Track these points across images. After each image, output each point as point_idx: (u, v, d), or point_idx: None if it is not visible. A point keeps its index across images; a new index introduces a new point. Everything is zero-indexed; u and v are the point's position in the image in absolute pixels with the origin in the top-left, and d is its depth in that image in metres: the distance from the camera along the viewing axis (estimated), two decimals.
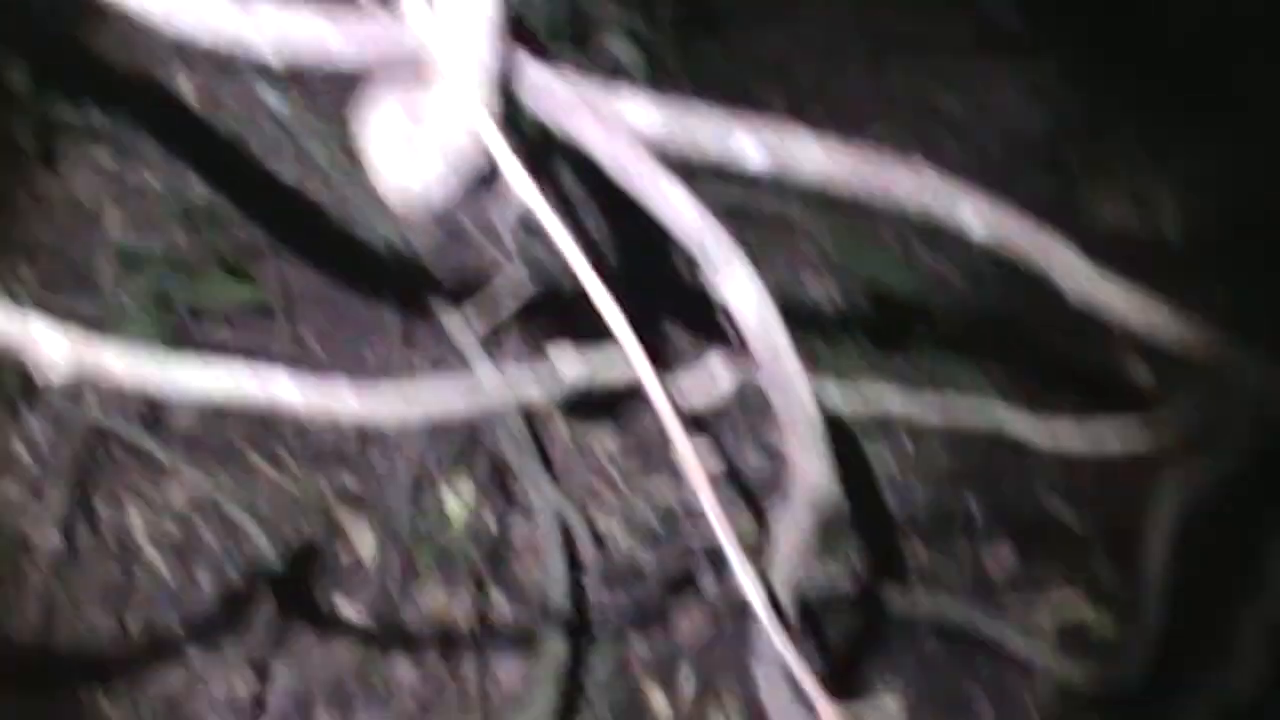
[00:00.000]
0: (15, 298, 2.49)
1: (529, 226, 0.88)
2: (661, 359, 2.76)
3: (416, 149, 0.97)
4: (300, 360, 2.56)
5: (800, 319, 3.03)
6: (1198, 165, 3.30)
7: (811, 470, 1.24)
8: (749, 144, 1.17)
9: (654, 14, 3.00)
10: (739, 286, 1.14)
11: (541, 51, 1.04)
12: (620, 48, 2.77)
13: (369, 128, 0.99)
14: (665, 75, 3.09)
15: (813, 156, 1.20)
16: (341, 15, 0.94)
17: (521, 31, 0.98)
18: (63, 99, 2.59)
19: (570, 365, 1.04)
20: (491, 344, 2.33)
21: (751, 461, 2.78)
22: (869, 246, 3.01)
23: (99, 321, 2.48)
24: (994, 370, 2.91)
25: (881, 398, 1.30)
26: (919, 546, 2.82)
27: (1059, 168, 3.44)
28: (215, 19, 0.88)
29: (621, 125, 1.10)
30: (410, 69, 0.98)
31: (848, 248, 3.08)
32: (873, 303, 2.94)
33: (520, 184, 0.90)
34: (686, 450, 0.97)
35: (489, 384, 0.98)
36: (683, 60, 3.21)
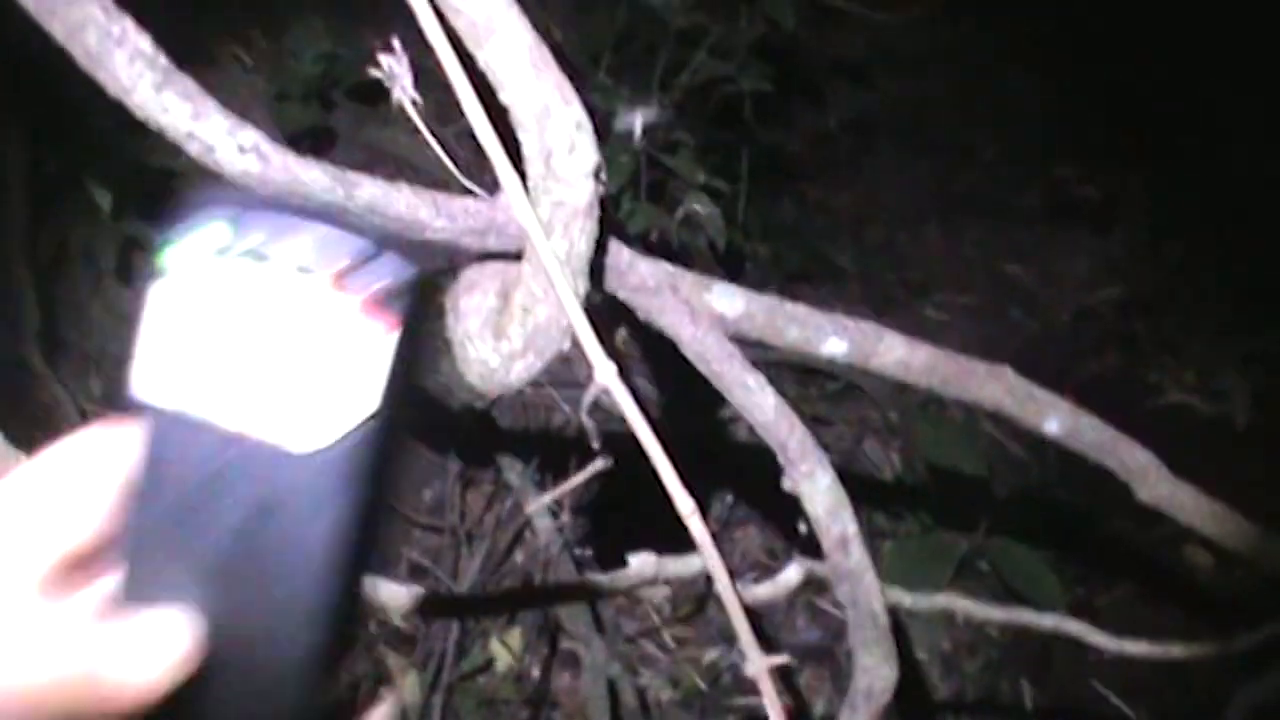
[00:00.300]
0: (81, 409, 2.50)
1: (604, 403, 0.86)
2: (726, 537, 2.75)
3: (502, 327, 0.95)
4: None
5: (859, 485, 3.00)
6: (1264, 345, 3.27)
7: (875, 670, 1.21)
8: (835, 341, 1.15)
9: (732, 170, 3.02)
10: (815, 483, 1.12)
11: (621, 232, 1.04)
12: (697, 202, 2.77)
13: (459, 302, 0.98)
14: (739, 230, 3.10)
15: (896, 355, 1.19)
16: (441, 196, 0.94)
17: (611, 218, 0.98)
18: (142, 218, 2.61)
19: (647, 566, 1.02)
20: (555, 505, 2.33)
21: (800, 626, 2.75)
22: (935, 417, 2.98)
23: None
24: (1051, 546, 2.86)
25: (949, 602, 1.27)
26: None
27: (1127, 340, 3.41)
28: (314, 188, 0.88)
29: (710, 317, 1.09)
30: (504, 250, 0.97)
31: (914, 417, 3.05)
32: (934, 475, 2.89)
33: (602, 369, 0.89)
34: (755, 654, 0.94)
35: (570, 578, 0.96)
36: (757, 216, 3.22)
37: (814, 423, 2.99)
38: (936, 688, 2.76)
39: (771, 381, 2.91)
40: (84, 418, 2.48)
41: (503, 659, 2.53)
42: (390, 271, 0.49)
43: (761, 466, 2.78)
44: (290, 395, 0.48)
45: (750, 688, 2.68)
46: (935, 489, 2.95)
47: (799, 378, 3.09)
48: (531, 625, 2.53)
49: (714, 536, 0.98)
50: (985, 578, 2.76)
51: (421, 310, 0.50)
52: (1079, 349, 3.40)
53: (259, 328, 0.48)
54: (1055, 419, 1.31)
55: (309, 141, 2.89)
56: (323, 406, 0.48)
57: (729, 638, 2.73)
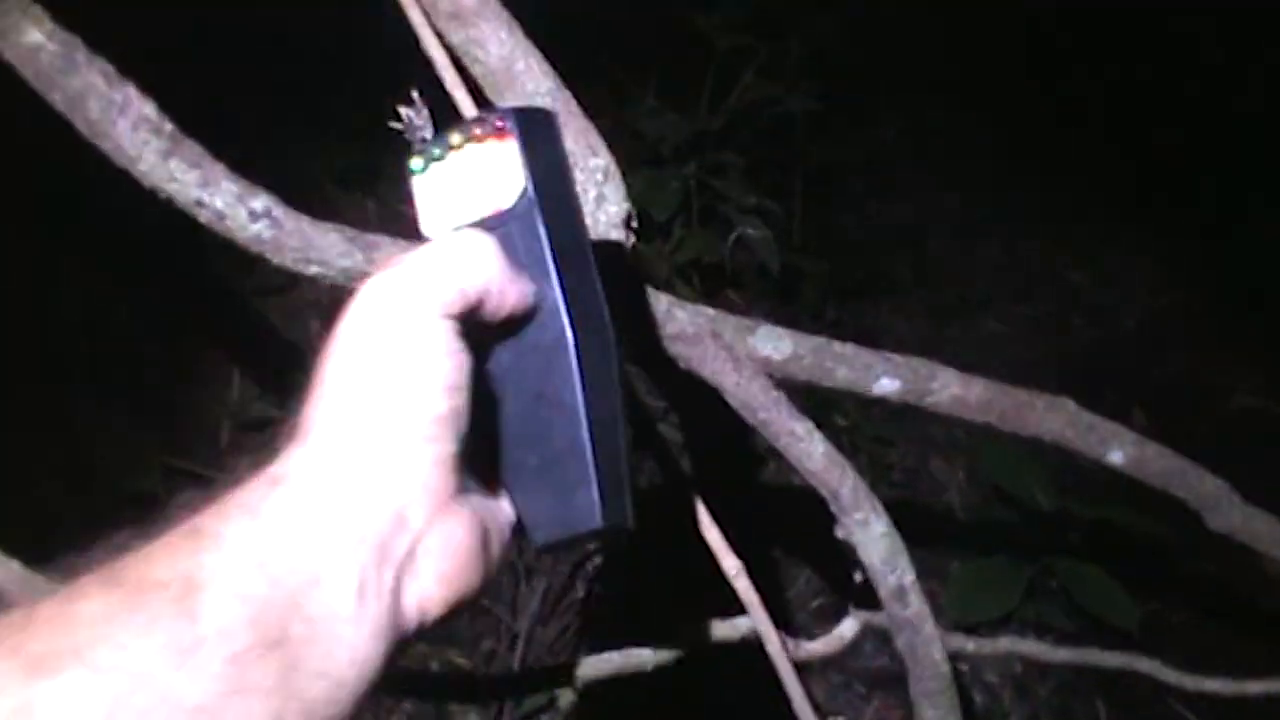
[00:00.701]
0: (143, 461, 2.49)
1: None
2: (774, 586, 2.70)
3: None
4: None
5: (924, 506, 2.95)
6: None
7: None
8: (886, 381, 1.11)
9: (784, 190, 2.99)
10: (869, 531, 1.08)
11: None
12: (749, 225, 2.74)
13: None
14: (794, 250, 3.06)
15: (951, 392, 1.14)
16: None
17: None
18: None
19: (696, 633, 0.98)
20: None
21: (868, 652, 2.69)
22: (1001, 434, 2.91)
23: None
24: (1123, 564, 2.79)
25: (1013, 646, 1.22)
26: None
27: (1193, 344, 3.34)
28: (331, 253, 0.85)
29: (754, 363, 1.05)
30: None
31: (980, 434, 2.99)
32: (1001, 493, 2.83)
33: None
34: (807, 716, 0.90)
35: (616, 659, 0.92)
36: (812, 234, 3.18)
37: (875, 443, 2.95)
38: (1009, 713, 2.70)
39: (827, 405, 2.87)
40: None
41: (565, 697, 2.48)
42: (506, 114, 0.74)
43: (809, 513, 2.75)
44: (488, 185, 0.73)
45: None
46: (1002, 508, 2.89)
47: (859, 399, 3.04)
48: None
49: (760, 592, 0.94)
50: (1056, 598, 2.70)
51: (534, 129, 0.74)
52: (1144, 355, 3.33)
53: (460, 173, 0.74)
54: (1119, 450, 1.26)
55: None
56: (507, 181, 0.73)
57: (800, 668, 2.68)
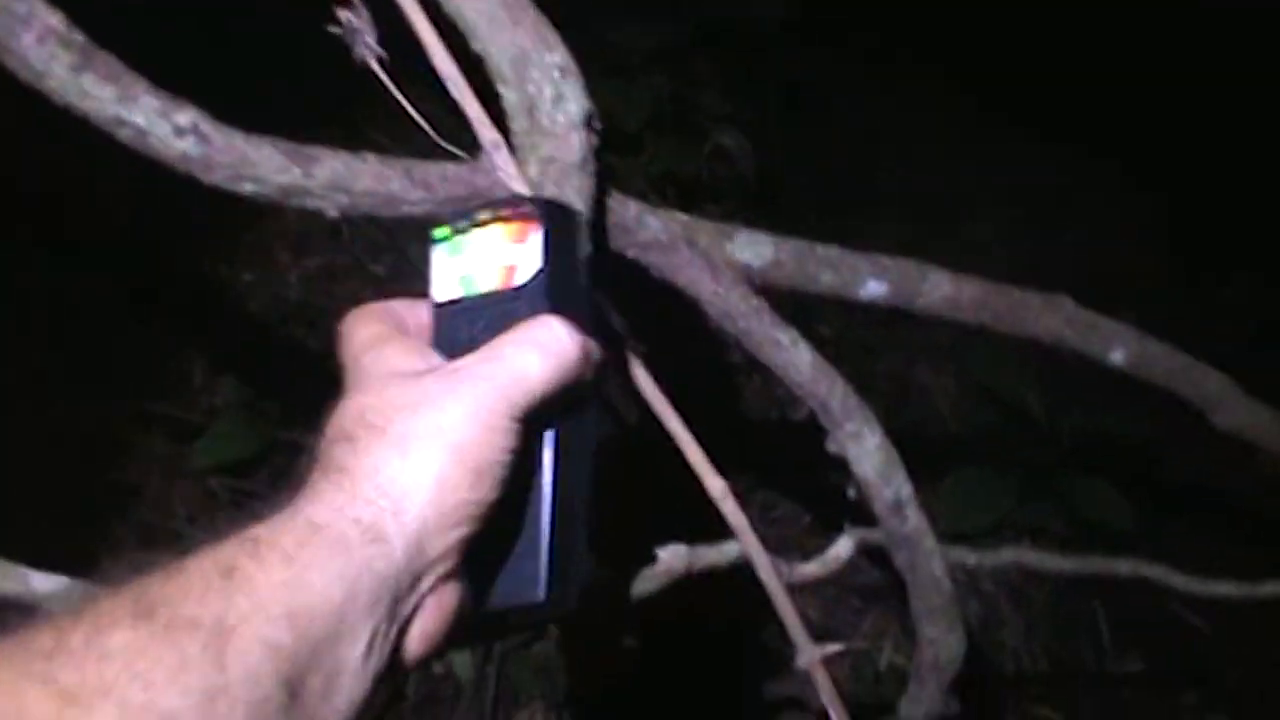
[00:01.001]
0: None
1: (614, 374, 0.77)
2: (760, 521, 2.64)
3: None
4: None
5: (912, 418, 2.89)
6: None
7: (941, 640, 1.11)
8: (874, 284, 1.05)
9: (760, 99, 2.90)
10: (863, 444, 1.02)
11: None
12: (725, 134, 2.66)
13: None
14: (772, 160, 2.99)
15: (943, 293, 1.08)
16: (414, 164, 0.84)
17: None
18: None
19: (677, 559, 0.92)
20: None
21: (863, 566, 2.64)
22: (988, 337, 2.85)
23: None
24: (1118, 468, 2.75)
25: (1017, 556, 1.16)
26: (1042, 658, 2.64)
27: (1183, 244, 3.28)
28: (266, 169, 0.78)
29: (733, 270, 0.98)
30: None
31: (967, 342, 2.93)
32: (991, 398, 2.78)
33: (608, 338, 0.79)
34: (805, 644, 0.85)
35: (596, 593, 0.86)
36: (790, 145, 3.11)
37: (860, 352, 2.89)
38: (1006, 621, 2.66)
39: (809, 315, 2.81)
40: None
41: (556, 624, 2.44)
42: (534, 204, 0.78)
43: (792, 431, 2.70)
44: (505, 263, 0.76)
45: (820, 637, 2.59)
46: (992, 414, 2.84)
47: (842, 307, 2.97)
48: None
49: (748, 514, 0.89)
50: (1049, 504, 2.65)
51: (560, 221, 0.78)
52: (1134, 255, 3.27)
53: (481, 248, 0.77)
54: (1121, 349, 1.21)
55: None
56: (524, 262, 0.75)
57: (793, 589, 2.63)
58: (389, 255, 2.70)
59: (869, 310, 2.88)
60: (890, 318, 2.95)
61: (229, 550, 0.60)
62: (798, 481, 2.68)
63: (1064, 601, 2.73)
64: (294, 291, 2.58)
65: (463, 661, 2.33)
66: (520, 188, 0.83)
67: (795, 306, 2.80)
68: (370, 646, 0.62)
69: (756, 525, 0.89)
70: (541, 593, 0.72)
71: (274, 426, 2.41)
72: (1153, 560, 1.37)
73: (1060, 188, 3.46)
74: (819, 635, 2.53)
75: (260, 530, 0.61)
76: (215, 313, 2.59)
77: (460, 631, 0.70)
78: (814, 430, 1.06)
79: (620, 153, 2.60)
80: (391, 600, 0.63)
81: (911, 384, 3.02)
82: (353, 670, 0.61)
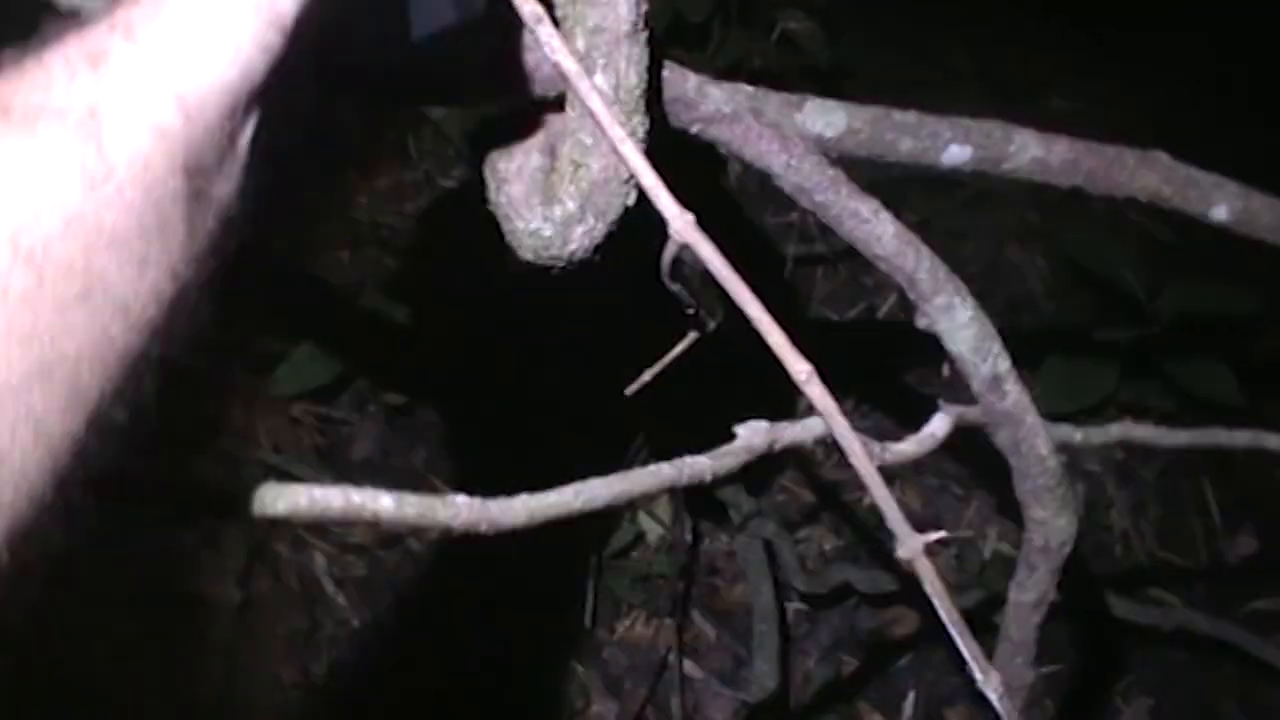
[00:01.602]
0: None
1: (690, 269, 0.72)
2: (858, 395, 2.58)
3: (552, 189, 0.80)
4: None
5: (1006, 301, 2.81)
6: None
7: (1050, 523, 1.05)
8: (956, 149, 0.98)
9: None
10: (954, 317, 0.96)
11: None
12: (792, 19, 2.57)
13: (497, 166, 0.83)
14: (843, 45, 2.90)
15: (1031, 154, 1.01)
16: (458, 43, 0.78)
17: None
18: None
19: (758, 436, 0.86)
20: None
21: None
22: (1077, 212, 2.76)
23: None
24: (1218, 341, 2.65)
25: (1126, 432, 1.10)
26: (1151, 539, 2.57)
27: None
28: None
29: (805, 141, 0.92)
30: (543, 97, 0.82)
31: (1055, 215, 2.84)
32: (1085, 275, 2.69)
33: (677, 220, 0.73)
34: (905, 532, 0.79)
35: (668, 471, 0.81)
36: (862, 27, 3.01)
37: (948, 237, 2.81)
38: (1114, 501, 2.59)
39: (893, 202, 2.75)
40: None
41: (653, 531, 2.41)
42: None
43: (881, 333, 2.61)
44: None
45: (919, 526, 2.53)
46: (1087, 291, 2.75)
47: (924, 192, 2.89)
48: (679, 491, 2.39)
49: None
50: (1152, 380, 2.57)
51: None
52: (1227, 117, 3.13)
53: None
54: (1224, 204, 1.13)
55: None
56: None
57: (891, 475, 2.58)
58: (459, 169, 2.65)
59: (955, 192, 2.83)
60: (977, 198, 2.90)
61: (96, 37, 0.52)
62: (890, 377, 2.63)
63: (1172, 481, 2.65)
64: (363, 212, 2.54)
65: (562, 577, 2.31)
66: (567, 62, 0.77)
67: (876, 190, 2.73)
68: (260, 130, 0.57)
69: (850, 420, 0.83)
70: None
71: (353, 350, 2.38)
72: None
73: (1138, 60, 3.32)
74: (920, 525, 2.49)
75: (132, 13, 0.53)
76: (284, 238, 2.56)
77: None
78: (905, 324, 1.00)
79: (687, 46, 2.52)
80: (282, 85, 0.57)
81: (1003, 266, 2.94)
82: (245, 160, 0.56)
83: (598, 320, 2.14)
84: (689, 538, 2.39)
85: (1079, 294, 2.79)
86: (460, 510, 0.71)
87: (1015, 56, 3.34)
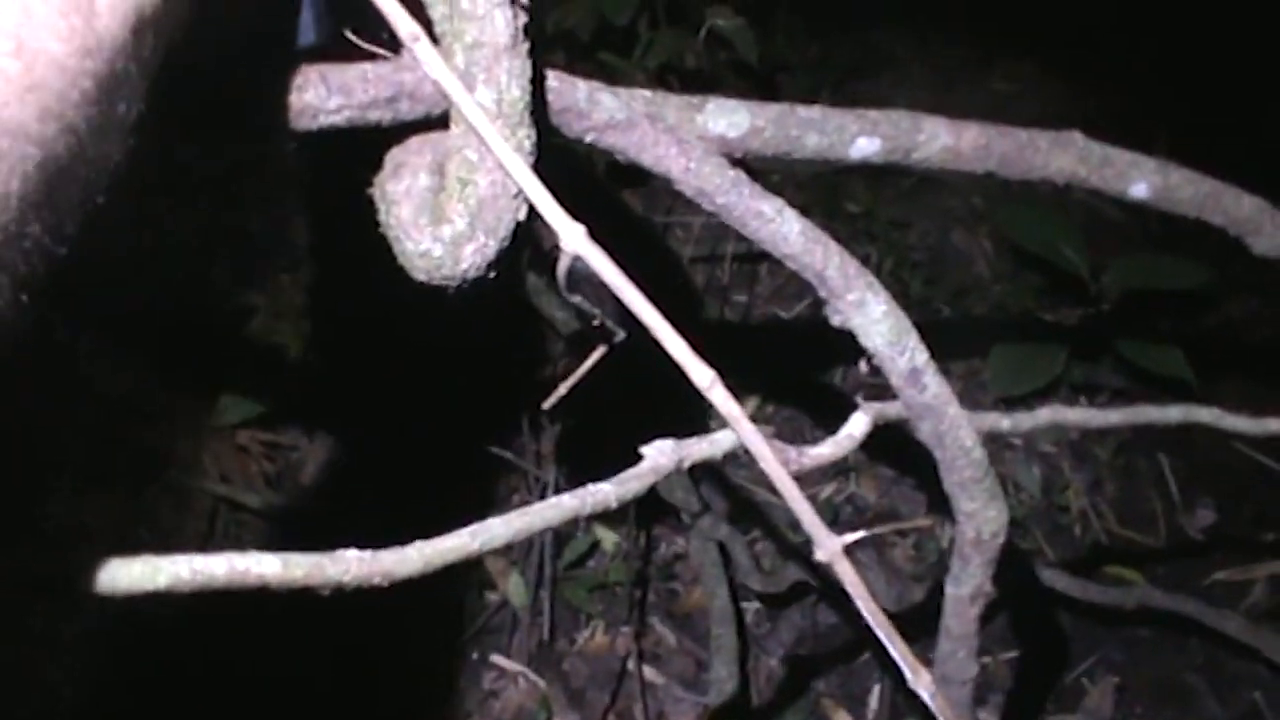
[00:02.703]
0: None
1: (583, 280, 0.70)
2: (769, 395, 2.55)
3: (441, 209, 0.78)
4: None
5: (953, 286, 2.81)
6: None
7: (980, 514, 1.04)
8: (864, 141, 0.97)
9: None
10: (867, 312, 0.94)
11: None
12: (719, 16, 2.56)
13: (385, 189, 0.81)
14: (777, 39, 2.89)
15: (941, 143, 1.00)
16: (329, 68, 0.77)
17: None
18: None
19: (664, 456, 0.85)
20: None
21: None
22: (1021, 194, 2.76)
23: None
24: (1175, 327, 2.66)
25: (1055, 416, 1.09)
26: (1110, 517, 2.57)
27: (1219, 75, 3.15)
28: None
29: (705, 143, 0.91)
30: (426, 117, 0.80)
31: (999, 200, 2.84)
32: (1030, 257, 2.69)
33: (568, 233, 0.71)
34: (822, 535, 0.78)
35: (570, 502, 0.79)
36: (797, 20, 3.01)
37: (893, 226, 2.81)
38: (1069, 481, 2.59)
39: (840, 190, 2.74)
40: None
41: (608, 539, 2.39)
42: None
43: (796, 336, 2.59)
44: None
45: (875, 518, 2.53)
46: (1035, 274, 2.75)
47: (868, 181, 2.89)
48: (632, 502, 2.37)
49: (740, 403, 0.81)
50: (1103, 358, 2.57)
51: None
52: (1168, 92, 3.14)
53: None
54: (1142, 181, 1.12)
55: None
56: None
57: (843, 470, 2.57)
58: None
59: (898, 181, 2.82)
60: (920, 186, 2.89)
61: None
62: (808, 379, 2.62)
63: (1129, 457, 2.65)
64: (303, 236, 2.52)
65: (517, 589, 2.29)
66: (447, 79, 0.75)
67: (822, 188, 2.71)
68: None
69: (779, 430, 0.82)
70: None
71: (299, 373, 2.36)
72: (1208, 404, 1.29)
73: (1080, 39, 3.33)
74: (877, 516, 2.49)
75: None
76: (230, 262, 2.53)
77: None
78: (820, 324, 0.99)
79: (615, 50, 2.51)
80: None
81: (949, 252, 2.94)
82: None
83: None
84: (643, 544, 2.39)
85: (1026, 276, 2.80)
86: (350, 565, 0.69)
87: (954, 40, 3.34)
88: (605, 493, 0.81)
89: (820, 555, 0.79)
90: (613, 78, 2.50)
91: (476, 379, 2.31)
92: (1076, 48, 3.25)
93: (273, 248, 2.53)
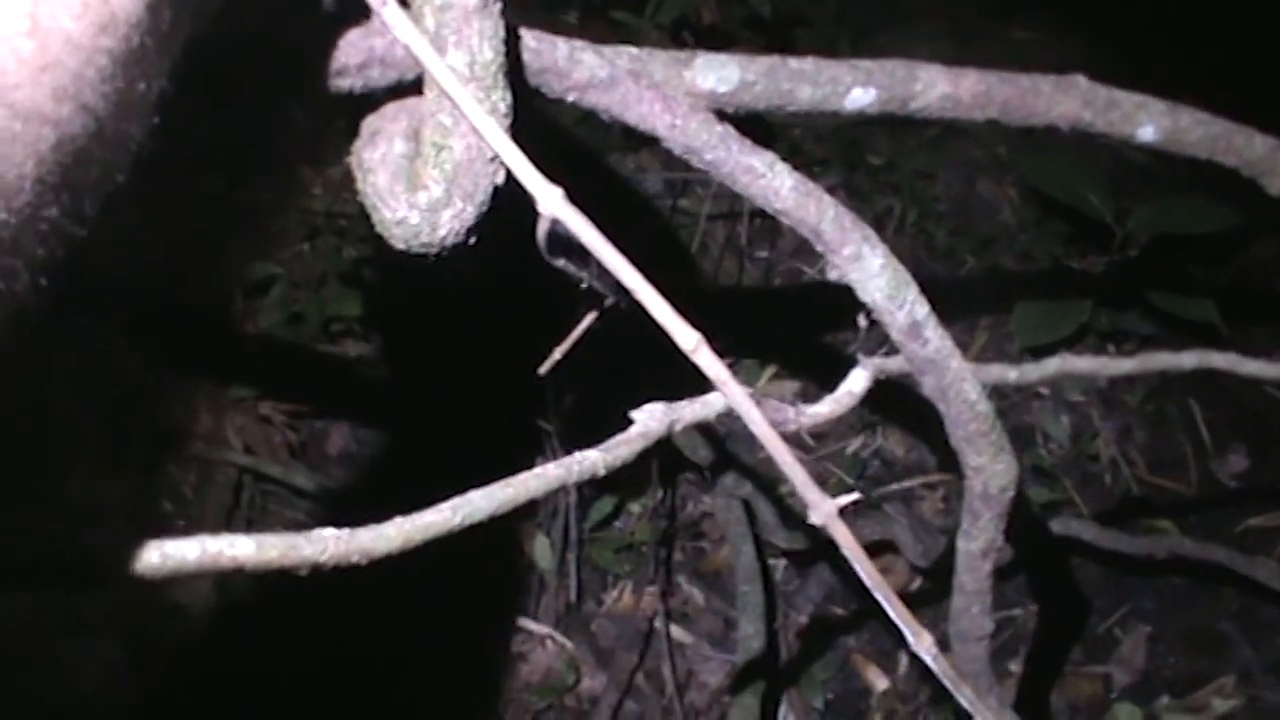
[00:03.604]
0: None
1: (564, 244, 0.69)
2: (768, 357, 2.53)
3: (417, 175, 0.77)
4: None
5: (979, 236, 2.77)
6: None
7: (987, 468, 1.03)
8: (859, 92, 0.95)
9: None
10: (864, 266, 0.93)
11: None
12: None
13: (361, 157, 0.80)
14: None
15: (939, 91, 0.98)
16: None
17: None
18: None
19: (655, 420, 0.83)
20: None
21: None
22: (1045, 142, 2.72)
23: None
24: (1202, 271, 2.62)
25: (1064, 366, 1.07)
26: (1140, 465, 2.55)
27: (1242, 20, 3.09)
28: None
29: (691, 99, 0.89)
30: (399, 83, 0.79)
31: (1023, 148, 2.80)
32: (1056, 205, 2.65)
33: (545, 196, 0.70)
34: (815, 498, 0.76)
35: (556, 472, 0.78)
36: None
37: (916, 177, 2.77)
38: (1099, 430, 2.56)
39: (861, 143, 2.70)
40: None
41: (634, 500, 2.39)
42: None
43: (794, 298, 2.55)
44: None
45: (903, 471, 2.51)
46: (1061, 221, 2.72)
47: (891, 133, 2.85)
48: (654, 461, 2.37)
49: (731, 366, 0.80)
50: (1130, 304, 2.54)
51: None
52: (1194, 37, 3.08)
53: None
54: (1150, 123, 1.10)
55: None
56: None
57: (869, 424, 2.55)
58: None
59: (921, 131, 2.79)
60: (944, 135, 2.86)
61: None
62: (832, 337, 2.60)
63: (1159, 404, 2.62)
64: (319, 203, 2.51)
65: (543, 552, 2.29)
66: (417, 43, 0.74)
67: (843, 141, 2.67)
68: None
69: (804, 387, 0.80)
70: None
71: (316, 341, 2.36)
72: (1237, 350, 1.27)
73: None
74: (904, 469, 2.46)
75: None
76: (246, 233, 2.53)
77: None
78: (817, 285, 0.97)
79: (628, 8, 2.48)
80: None
81: (974, 202, 2.90)
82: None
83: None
84: (669, 504, 2.38)
85: (1052, 224, 2.76)
86: (328, 544, 0.68)
87: None
88: (593, 460, 0.80)
89: (814, 518, 0.77)
90: (626, 36, 2.49)
91: (500, 344, 2.30)
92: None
93: (288, 218, 2.53)
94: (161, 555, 0.63)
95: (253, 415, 2.33)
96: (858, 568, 0.78)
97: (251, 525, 2.27)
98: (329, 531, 0.68)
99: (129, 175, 0.53)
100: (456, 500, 0.73)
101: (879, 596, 0.79)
